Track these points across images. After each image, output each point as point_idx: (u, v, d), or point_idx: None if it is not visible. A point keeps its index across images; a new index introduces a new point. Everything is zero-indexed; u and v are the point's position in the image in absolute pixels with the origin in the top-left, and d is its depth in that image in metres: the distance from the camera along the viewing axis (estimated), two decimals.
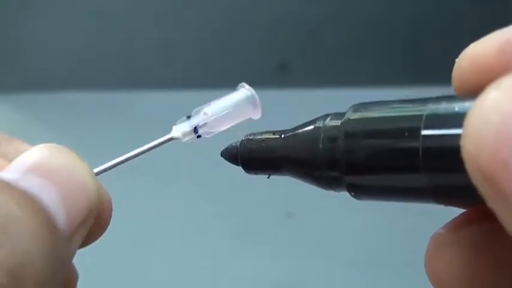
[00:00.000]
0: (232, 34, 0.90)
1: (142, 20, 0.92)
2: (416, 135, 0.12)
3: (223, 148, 0.18)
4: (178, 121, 0.19)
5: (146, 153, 0.20)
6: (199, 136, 0.19)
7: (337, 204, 0.62)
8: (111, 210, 0.18)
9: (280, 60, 0.89)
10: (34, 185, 0.15)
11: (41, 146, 0.17)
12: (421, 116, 0.13)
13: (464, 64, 0.15)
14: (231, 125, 0.19)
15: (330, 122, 0.15)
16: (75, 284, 0.20)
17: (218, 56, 0.90)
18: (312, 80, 0.84)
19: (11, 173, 0.15)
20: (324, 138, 0.15)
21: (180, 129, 0.19)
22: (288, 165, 0.17)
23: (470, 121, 0.11)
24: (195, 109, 0.19)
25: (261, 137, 0.18)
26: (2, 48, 0.91)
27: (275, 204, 0.63)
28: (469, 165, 0.11)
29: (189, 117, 0.19)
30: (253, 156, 0.18)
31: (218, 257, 0.58)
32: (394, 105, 0.14)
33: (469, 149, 0.11)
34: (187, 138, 0.19)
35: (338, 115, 0.15)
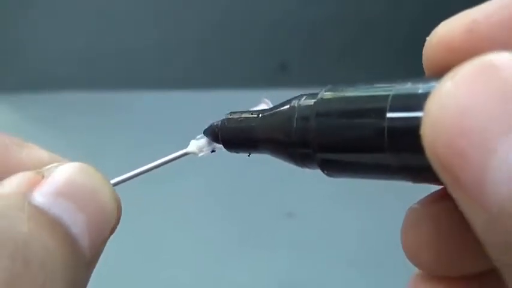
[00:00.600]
0: (232, 34, 0.90)
1: (142, 20, 0.92)
2: (382, 116, 0.13)
3: (206, 127, 0.19)
4: (198, 136, 0.20)
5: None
6: (213, 150, 0.20)
7: (337, 204, 0.62)
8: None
9: (280, 60, 0.89)
10: (64, 211, 0.15)
11: (70, 166, 0.17)
12: (387, 96, 0.13)
13: (433, 43, 0.15)
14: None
15: (304, 102, 0.16)
16: None
17: (218, 56, 0.90)
18: (312, 80, 0.84)
19: (43, 196, 0.15)
20: (297, 117, 0.16)
21: (196, 144, 0.20)
22: (264, 143, 0.18)
23: (429, 107, 0.11)
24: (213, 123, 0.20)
25: (240, 116, 0.18)
26: (2, 48, 0.91)
27: (275, 204, 0.63)
28: (427, 152, 0.11)
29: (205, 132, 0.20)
30: (233, 135, 0.19)
31: (218, 256, 0.58)
32: (365, 86, 0.14)
33: (427, 135, 0.11)
34: (202, 153, 0.20)
35: (312, 95, 0.16)
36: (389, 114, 0.13)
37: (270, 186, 0.65)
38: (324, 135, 0.15)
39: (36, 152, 0.19)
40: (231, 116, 0.19)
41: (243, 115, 0.18)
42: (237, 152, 0.19)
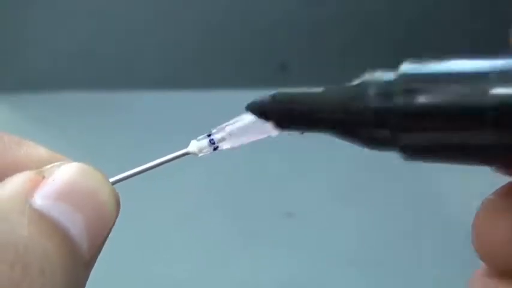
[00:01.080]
0: (232, 34, 0.90)
1: (142, 20, 0.92)
2: (486, 92, 0.12)
3: (250, 102, 0.17)
4: (199, 137, 0.19)
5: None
6: (215, 149, 0.19)
7: (337, 204, 0.62)
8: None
9: (280, 60, 0.89)
10: (63, 214, 0.16)
11: (70, 166, 0.17)
12: (488, 73, 0.12)
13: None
14: (250, 141, 0.18)
15: (381, 76, 0.14)
16: None
17: (218, 56, 0.90)
18: (312, 80, 0.84)
19: (43, 199, 0.16)
20: (376, 93, 0.14)
21: (197, 145, 0.19)
22: (329, 122, 0.15)
23: None
24: (218, 126, 0.19)
25: (296, 91, 0.16)
26: (2, 48, 0.91)
27: (275, 204, 0.63)
28: None
29: (209, 135, 0.19)
30: (287, 110, 0.16)
31: (217, 256, 0.58)
32: (452, 62, 0.13)
33: None
34: (202, 154, 0.19)
35: (388, 71, 0.14)
36: (494, 90, 0.12)
37: (270, 186, 0.65)
38: (412, 115, 0.13)
39: (35, 150, 0.19)
40: (283, 91, 0.16)
41: (299, 90, 0.16)
42: (289, 130, 0.17)
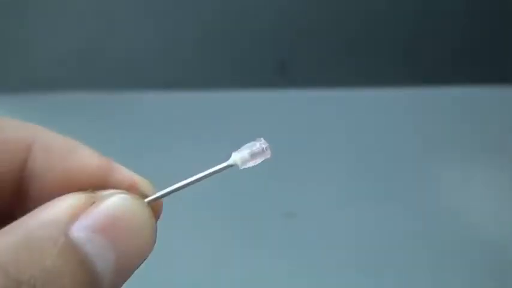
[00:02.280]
0: (232, 34, 0.90)
1: (142, 20, 0.92)
2: None
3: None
4: (241, 148, 0.20)
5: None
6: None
7: (337, 204, 0.62)
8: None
9: (280, 60, 0.89)
10: (96, 249, 0.16)
11: (121, 199, 0.17)
12: None
13: None
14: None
15: None
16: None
17: (217, 56, 0.90)
18: (312, 80, 0.84)
19: (81, 230, 0.16)
20: None
21: (239, 156, 0.20)
22: None
23: None
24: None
25: None
26: (2, 48, 0.91)
27: (275, 204, 0.63)
28: None
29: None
30: None
31: (217, 256, 0.58)
32: None
33: None
34: (245, 166, 0.20)
35: None
36: None
37: (270, 185, 0.65)
38: None
39: (87, 159, 0.19)
40: None
41: None
42: None
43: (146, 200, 0.19)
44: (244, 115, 0.63)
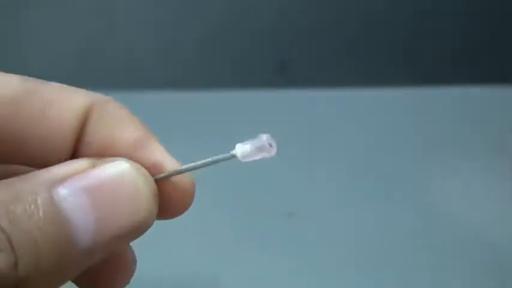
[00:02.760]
0: (231, 34, 0.90)
1: (142, 20, 0.92)
2: None
3: None
4: (246, 141, 0.20)
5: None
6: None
7: (338, 203, 0.62)
8: (190, 196, 0.20)
9: (280, 60, 0.89)
10: (73, 207, 0.16)
11: (119, 165, 0.17)
12: None
13: None
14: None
15: None
16: (127, 279, 0.23)
17: (217, 56, 0.90)
18: (312, 80, 0.84)
19: (65, 188, 0.16)
20: None
21: (241, 149, 0.20)
22: None
23: None
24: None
25: None
26: (2, 48, 0.91)
27: (275, 204, 0.63)
28: None
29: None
30: None
31: (216, 256, 0.58)
32: None
33: None
34: (247, 159, 0.20)
35: None
36: None
37: (270, 185, 0.65)
38: None
39: (130, 130, 0.20)
40: None
41: None
42: None
43: (156, 177, 0.19)
44: (244, 115, 0.63)
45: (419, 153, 0.66)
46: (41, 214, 0.15)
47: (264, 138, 0.20)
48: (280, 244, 0.61)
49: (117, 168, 0.17)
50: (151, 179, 0.18)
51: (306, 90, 0.79)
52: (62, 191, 0.16)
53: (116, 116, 0.20)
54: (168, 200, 0.19)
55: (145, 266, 0.60)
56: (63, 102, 0.19)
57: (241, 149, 0.19)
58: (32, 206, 0.15)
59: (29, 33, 0.90)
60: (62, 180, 0.16)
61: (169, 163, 0.20)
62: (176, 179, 0.19)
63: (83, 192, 0.16)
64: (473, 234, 0.55)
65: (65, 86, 0.21)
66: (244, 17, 0.89)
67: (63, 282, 0.16)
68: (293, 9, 0.89)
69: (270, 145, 0.20)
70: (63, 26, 0.91)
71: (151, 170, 0.19)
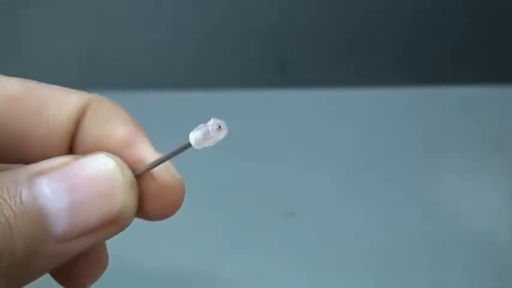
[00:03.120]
0: (231, 34, 0.90)
1: (142, 20, 0.92)
2: None
3: None
4: (199, 126, 0.20)
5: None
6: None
7: (338, 203, 0.62)
8: (179, 195, 0.20)
9: (280, 60, 0.89)
10: (49, 193, 0.17)
11: (97, 158, 0.18)
12: None
13: None
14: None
15: None
16: (102, 269, 0.23)
17: (217, 56, 0.90)
18: (312, 80, 0.84)
19: (45, 178, 0.17)
20: None
21: (193, 136, 0.20)
22: None
23: None
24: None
25: None
26: (2, 48, 0.91)
27: (275, 204, 0.63)
28: None
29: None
30: None
31: (216, 256, 0.58)
32: None
33: None
34: (200, 147, 0.20)
35: None
36: None
37: (270, 185, 0.65)
38: None
39: (119, 129, 0.20)
40: None
41: None
42: None
43: (140, 172, 0.19)
44: (244, 115, 0.63)
45: (419, 153, 0.65)
46: (17, 200, 0.16)
47: (211, 122, 0.20)
48: (280, 244, 0.61)
49: (95, 161, 0.18)
50: (130, 173, 0.19)
51: (306, 90, 0.79)
52: (41, 181, 0.17)
53: (109, 114, 0.20)
54: (157, 200, 0.20)
55: (146, 266, 0.60)
56: (58, 102, 0.20)
57: (193, 136, 0.20)
58: (10, 192, 0.16)
59: (29, 33, 0.90)
60: (43, 172, 0.17)
61: (151, 159, 0.20)
62: (164, 178, 0.19)
63: (59, 181, 0.17)
64: (474, 234, 0.55)
65: (59, 87, 0.22)
66: (244, 17, 0.89)
67: (39, 273, 0.17)
68: (293, 9, 0.89)
69: (219, 127, 0.20)
70: (63, 26, 0.91)
71: (134, 165, 0.19)
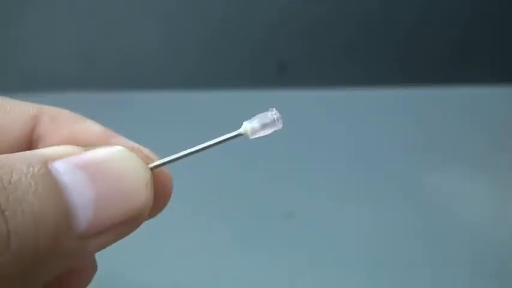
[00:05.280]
0: (231, 34, 0.90)
1: (142, 20, 0.92)
2: None
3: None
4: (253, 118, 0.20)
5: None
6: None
7: (338, 204, 0.62)
8: (169, 189, 0.19)
9: (280, 60, 0.89)
10: (73, 182, 0.15)
11: (111, 148, 0.17)
12: None
13: None
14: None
15: None
16: (91, 276, 0.21)
17: (217, 57, 0.90)
18: (312, 80, 0.84)
19: (61, 163, 0.15)
20: None
21: (249, 126, 0.20)
22: None
23: None
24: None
25: None
26: (2, 48, 0.91)
27: (275, 204, 0.63)
28: None
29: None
30: None
31: (216, 257, 0.58)
32: None
33: None
34: (254, 136, 0.20)
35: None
36: None
37: (270, 185, 0.65)
38: None
39: (92, 127, 0.20)
40: None
41: None
42: None
43: (150, 165, 0.18)
44: (244, 115, 0.63)
45: (419, 153, 0.66)
46: (38, 184, 0.14)
47: (269, 114, 0.20)
48: (280, 244, 0.61)
49: (114, 150, 0.17)
50: (149, 168, 0.18)
51: (306, 90, 0.79)
52: (59, 165, 0.15)
53: (72, 116, 0.20)
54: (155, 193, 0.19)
55: (146, 267, 0.60)
56: (12, 109, 0.20)
57: (250, 125, 0.20)
58: (29, 176, 0.14)
59: (29, 33, 0.90)
60: (57, 158, 0.15)
61: (143, 148, 0.20)
62: (155, 172, 0.19)
63: (81, 168, 0.15)
64: (474, 234, 0.55)
65: (11, 99, 0.21)
66: (244, 17, 0.89)
67: (44, 278, 0.15)
68: (293, 9, 0.89)
69: (277, 119, 0.20)
70: (63, 26, 0.91)
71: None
